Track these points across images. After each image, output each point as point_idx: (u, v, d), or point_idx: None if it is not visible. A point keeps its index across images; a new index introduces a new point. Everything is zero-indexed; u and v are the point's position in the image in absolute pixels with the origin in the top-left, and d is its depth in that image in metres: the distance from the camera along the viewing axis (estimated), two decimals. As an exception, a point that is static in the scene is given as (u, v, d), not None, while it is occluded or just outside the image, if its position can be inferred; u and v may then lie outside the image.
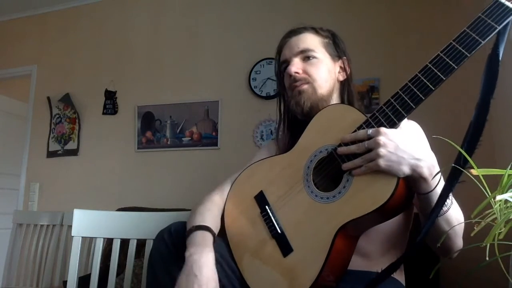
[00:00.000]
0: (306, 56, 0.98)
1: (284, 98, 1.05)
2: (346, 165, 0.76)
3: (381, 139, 0.71)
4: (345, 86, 1.02)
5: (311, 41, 0.99)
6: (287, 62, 0.99)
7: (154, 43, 2.87)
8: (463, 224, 0.79)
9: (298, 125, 1.01)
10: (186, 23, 2.81)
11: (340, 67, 1.02)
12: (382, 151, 0.70)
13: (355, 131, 0.78)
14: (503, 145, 1.60)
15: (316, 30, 1.02)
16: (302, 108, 0.95)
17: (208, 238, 0.83)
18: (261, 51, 2.53)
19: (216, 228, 0.89)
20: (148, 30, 2.91)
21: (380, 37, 2.32)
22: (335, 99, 0.99)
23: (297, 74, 0.96)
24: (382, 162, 0.70)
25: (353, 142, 0.76)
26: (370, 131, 0.74)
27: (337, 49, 1.02)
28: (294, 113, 1.00)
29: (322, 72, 0.98)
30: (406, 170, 0.70)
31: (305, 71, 0.97)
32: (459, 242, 0.81)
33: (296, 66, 0.97)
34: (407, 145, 0.72)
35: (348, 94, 1.01)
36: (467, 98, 1.90)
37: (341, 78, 1.02)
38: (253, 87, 2.56)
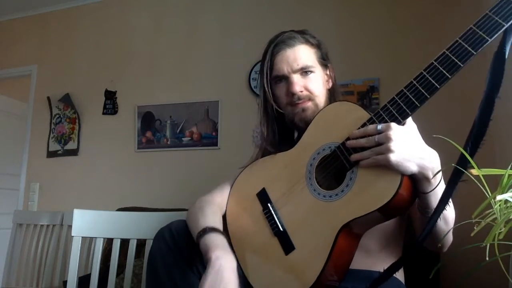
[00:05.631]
0: (305, 71, 0.97)
1: (270, 109, 1.02)
2: (354, 156, 0.76)
3: (392, 134, 0.70)
4: (331, 93, 1.03)
5: (308, 56, 0.98)
6: (283, 78, 0.98)
7: (154, 43, 2.87)
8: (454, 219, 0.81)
9: (288, 133, 1.03)
10: (186, 23, 2.81)
11: (326, 74, 1.03)
12: (393, 145, 0.69)
13: (359, 128, 0.77)
14: (503, 145, 1.60)
15: (306, 40, 0.99)
16: (306, 122, 0.95)
17: (226, 241, 0.82)
18: (261, 51, 2.51)
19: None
20: (148, 30, 2.90)
21: (380, 37, 2.31)
22: None
23: (300, 93, 0.96)
24: (392, 157, 0.69)
25: (362, 137, 0.76)
26: (380, 126, 0.73)
27: (324, 58, 1.02)
28: (294, 126, 1.00)
29: (320, 86, 0.99)
30: (413, 168, 0.70)
31: (306, 88, 0.97)
32: (451, 237, 0.84)
33: (299, 84, 0.96)
34: (415, 143, 0.72)
35: (336, 101, 1.02)
36: (465, 96, 1.90)
37: (328, 86, 1.03)
38: (253, 87, 2.56)
